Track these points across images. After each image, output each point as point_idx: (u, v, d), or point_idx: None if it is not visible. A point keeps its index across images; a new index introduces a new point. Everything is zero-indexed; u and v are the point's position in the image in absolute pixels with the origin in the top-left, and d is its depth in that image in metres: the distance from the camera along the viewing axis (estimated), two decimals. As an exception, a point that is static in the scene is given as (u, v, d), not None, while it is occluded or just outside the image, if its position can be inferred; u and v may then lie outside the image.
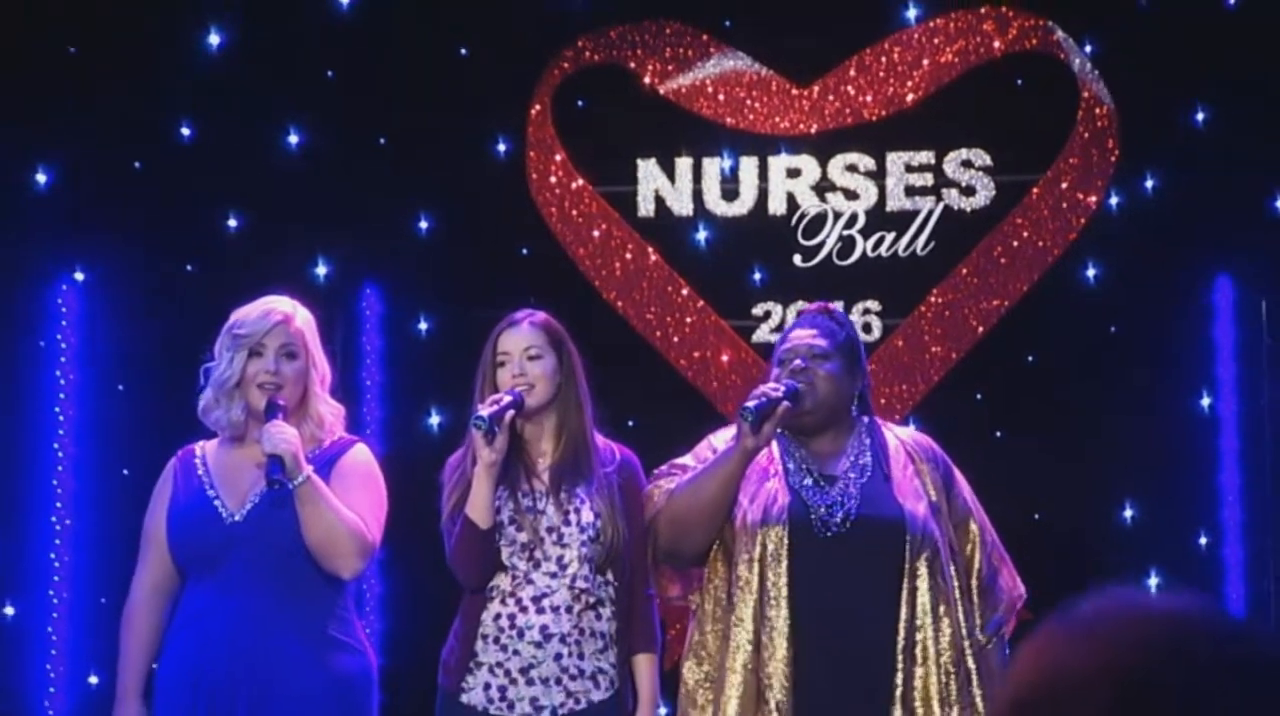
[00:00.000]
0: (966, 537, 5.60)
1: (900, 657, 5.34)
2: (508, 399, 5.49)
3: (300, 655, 5.50)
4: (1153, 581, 8.95)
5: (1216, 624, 1.46)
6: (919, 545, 5.37)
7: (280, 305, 5.68)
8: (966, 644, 5.46)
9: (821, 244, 9.14)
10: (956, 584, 5.49)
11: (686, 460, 5.68)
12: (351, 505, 5.52)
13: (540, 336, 5.67)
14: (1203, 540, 9.04)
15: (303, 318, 5.70)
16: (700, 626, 5.58)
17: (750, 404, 5.27)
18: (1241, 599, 9.16)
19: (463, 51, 9.32)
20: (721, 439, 5.64)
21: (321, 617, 5.57)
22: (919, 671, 5.37)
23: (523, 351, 5.61)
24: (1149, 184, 9.10)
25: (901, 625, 5.35)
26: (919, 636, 5.37)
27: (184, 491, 5.65)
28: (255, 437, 5.51)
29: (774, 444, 5.47)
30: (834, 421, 5.53)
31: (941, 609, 5.41)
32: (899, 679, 5.33)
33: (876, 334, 9.08)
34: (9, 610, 9.04)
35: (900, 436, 5.72)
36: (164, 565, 5.63)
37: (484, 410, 5.42)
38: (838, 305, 6.04)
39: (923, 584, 5.38)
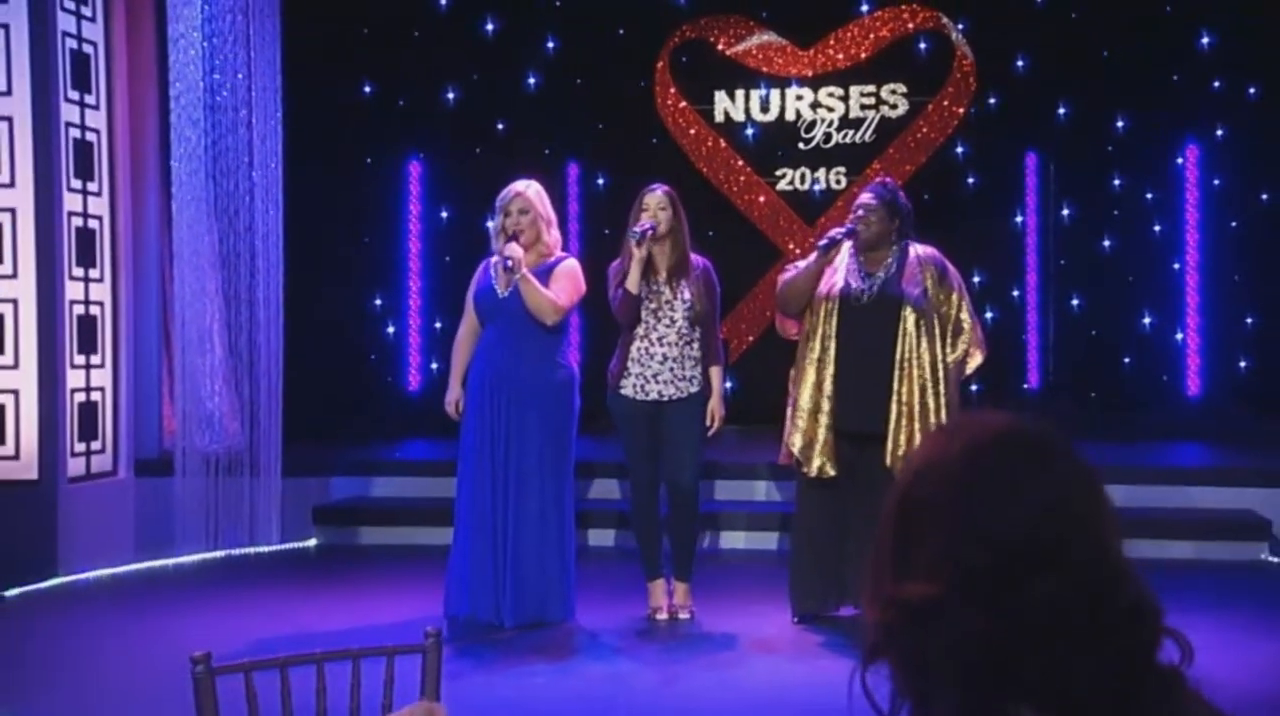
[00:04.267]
0: (950, 304, 5.75)
1: (897, 370, 5.60)
2: (648, 224, 5.73)
3: (537, 366, 5.75)
4: (988, 316, 9.70)
5: (1027, 427, 1.43)
6: (909, 309, 5.60)
7: (518, 185, 5.84)
8: (941, 365, 5.64)
9: (813, 136, 10.26)
10: (939, 330, 5.65)
11: (799, 263, 6.00)
12: (556, 290, 5.70)
13: (665, 198, 5.85)
14: (1015, 293, 10.23)
15: (534, 190, 5.85)
16: (798, 349, 5.81)
17: (823, 242, 5.67)
18: (1036, 327, 10.24)
19: (620, 31, 10.40)
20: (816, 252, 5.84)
21: (548, 349, 5.78)
22: (907, 378, 5.61)
23: (656, 204, 5.80)
24: (991, 101, 10.22)
25: (898, 353, 5.58)
26: (908, 359, 5.61)
27: (482, 280, 5.90)
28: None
29: (849, 254, 5.71)
30: (879, 244, 5.71)
31: (924, 344, 5.59)
32: (895, 381, 5.60)
33: (843, 185, 10.17)
34: (390, 328, 10.43)
35: (919, 252, 5.78)
36: (472, 318, 5.92)
37: (636, 229, 5.71)
38: (888, 178, 6.35)
39: (911, 329, 5.59)
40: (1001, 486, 1.38)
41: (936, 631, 1.35)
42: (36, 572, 7.12)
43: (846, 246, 5.80)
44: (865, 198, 5.78)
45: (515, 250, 5.61)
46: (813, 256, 5.78)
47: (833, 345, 5.65)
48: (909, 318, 5.61)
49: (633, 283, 5.75)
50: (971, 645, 1.33)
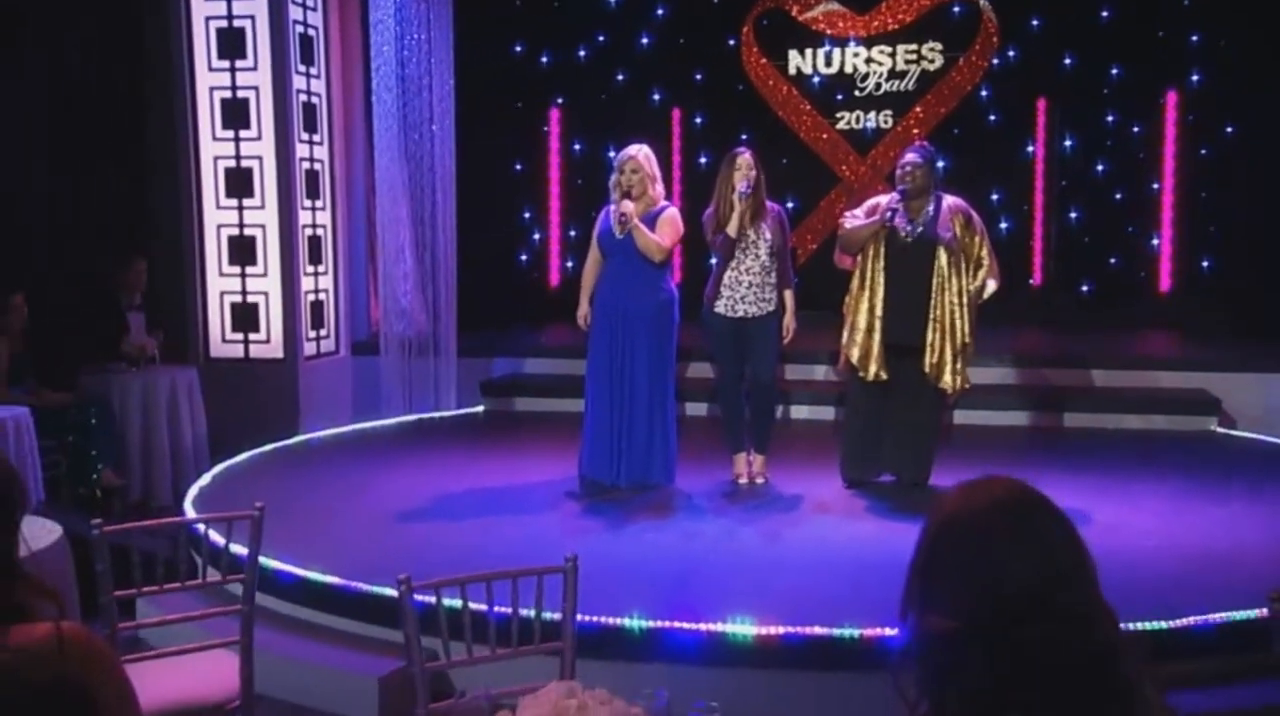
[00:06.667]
0: (974, 244, 5.50)
1: (933, 297, 5.43)
2: (745, 185, 5.51)
3: (646, 291, 5.59)
4: (1003, 226, 9.66)
5: (1024, 494, 1.39)
6: (943, 248, 5.40)
7: (630, 149, 5.60)
8: (965, 292, 5.44)
9: (867, 85, 10.01)
10: (964, 266, 5.45)
11: (856, 211, 5.67)
12: (660, 234, 5.52)
13: (752, 158, 5.62)
14: (1024, 207, 9.91)
15: (643, 154, 5.59)
16: (854, 278, 5.61)
17: (889, 215, 5.43)
18: (1041, 235, 9.88)
19: (715, 1, 10.17)
20: (873, 200, 5.64)
21: (654, 277, 5.60)
22: (940, 303, 5.44)
23: (748, 165, 5.57)
24: (1011, 54, 9.85)
25: (934, 281, 5.42)
26: (943, 287, 5.43)
27: (603, 224, 5.69)
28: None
29: (900, 203, 5.47)
30: (921, 195, 5.47)
31: (954, 276, 5.42)
32: (932, 305, 5.44)
33: (890, 125, 9.93)
34: (536, 236, 10.46)
35: (949, 202, 5.53)
36: (595, 252, 5.74)
37: (744, 189, 5.52)
38: (925, 142, 5.92)
39: (944, 264, 5.40)
40: (1003, 548, 1.36)
41: (951, 659, 1.36)
42: (283, 432, 7.39)
43: (887, 198, 5.61)
44: (911, 157, 5.53)
45: (628, 206, 5.50)
46: (875, 217, 5.52)
47: (882, 277, 5.52)
48: (942, 255, 5.44)
49: (733, 228, 5.59)
50: (978, 671, 1.33)
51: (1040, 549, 1.37)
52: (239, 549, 3.76)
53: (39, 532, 3.44)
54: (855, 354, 5.57)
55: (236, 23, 7.63)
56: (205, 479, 6.15)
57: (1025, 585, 1.34)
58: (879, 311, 5.52)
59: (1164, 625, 3.95)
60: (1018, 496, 1.42)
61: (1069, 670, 1.32)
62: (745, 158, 5.62)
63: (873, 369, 5.54)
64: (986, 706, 1.33)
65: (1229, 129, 9.48)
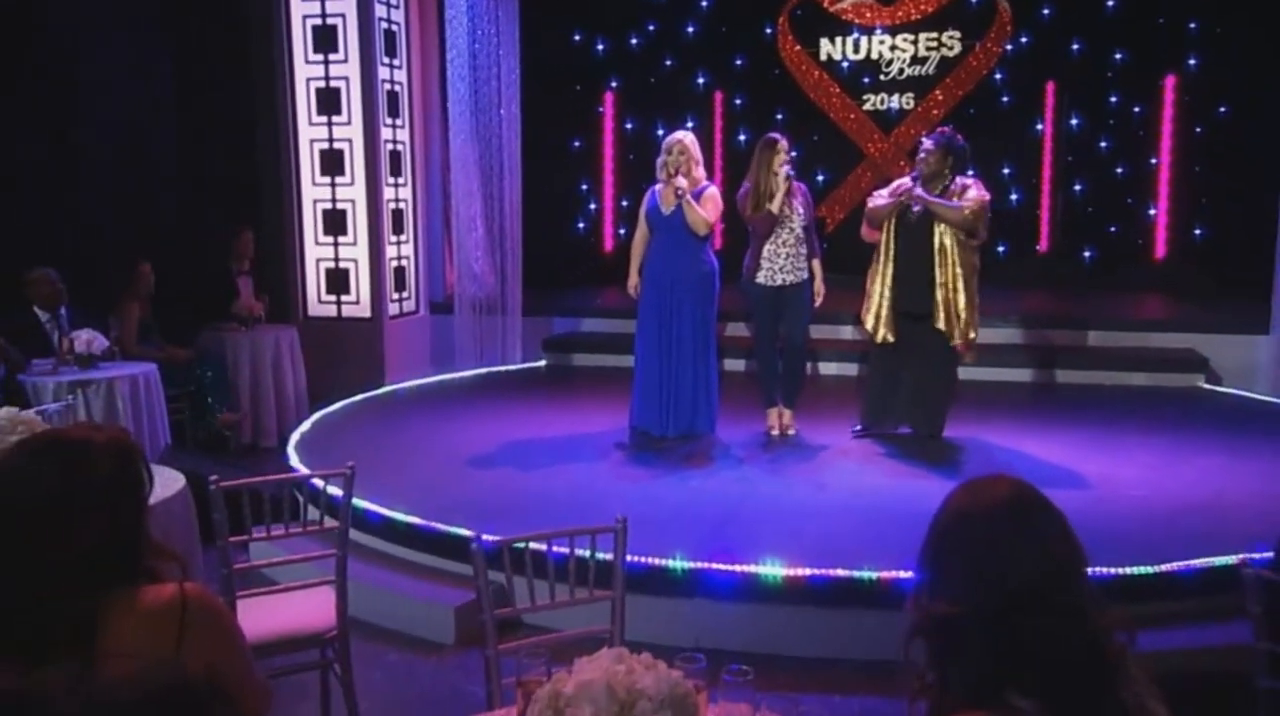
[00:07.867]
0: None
1: (938, 267, 5.31)
2: (788, 168, 5.48)
3: (690, 263, 5.51)
4: (1013, 198, 9.48)
5: (1028, 489, 1.37)
6: (944, 225, 5.29)
7: (678, 135, 5.55)
8: (967, 263, 5.32)
9: (891, 70, 9.74)
10: (965, 237, 5.29)
11: (882, 190, 5.55)
12: (705, 211, 5.44)
13: (787, 144, 5.58)
14: (1033, 181, 9.66)
15: (690, 139, 5.52)
16: (873, 254, 5.53)
17: (901, 193, 5.31)
18: (1048, 206, 9.61)
19: None
20: (898, 182, 5.52)
21: (697, 250, 5.52)
22: (944, 271, 5.31)
23: (786, 151, 5.53)
24: (1023, 41, 9.55)
25: (937, 255, 5.30)
26: (945, 258, 5.29)
27: (650, 202, 5.60)
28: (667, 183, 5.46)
29: (916, 184, 5.37)
30: (935, 178, 5.35)
31: (954, 246, 5.30)
32: (936, 272, 5.32)
33: (911, 106, 9.67)
34: (592, 205, 10.29)
35: (958, 182, 5.38)
36: (643, 228, 5.64)
37: (790, 170, 5.49)
38: (945, 128, 5.63)
39: (945, 240, 5.27)
40: (1008, 546, 1.36)
41: (954, 642, 1.35)
42: (371, 383, 7.47)
43: (907, 179, 5.49)
44: (927, 144, 5.41)
45: (682, 182, 5.45)
46: (895, 198, 5.41)
47: (893, 250, 5.42)
48: (943, 231, 5.29)
49: (777, 206, 5.50)
50: (979, 654, 1.33)
51: (1041, 547, 1.35)
52: (335, 491, 3.85)
53: (165, 481, 3.50)
54: (869, 320, 5.53)
55: (329, 20, 7.64)
56: (305, 425, 6.25)
57: (1027, 580, 1.32)
58: (889, 281, 5.45)
59: (1149, 569, 3.92)
60: (1021, 496, 1.40)
61: (1063, 658, 1.31)
62: (783, 143, 5.57)
63: (881, 332, 5.49)
64: (986, 684, 1.32)
65: (1222, 109, 9.20)
